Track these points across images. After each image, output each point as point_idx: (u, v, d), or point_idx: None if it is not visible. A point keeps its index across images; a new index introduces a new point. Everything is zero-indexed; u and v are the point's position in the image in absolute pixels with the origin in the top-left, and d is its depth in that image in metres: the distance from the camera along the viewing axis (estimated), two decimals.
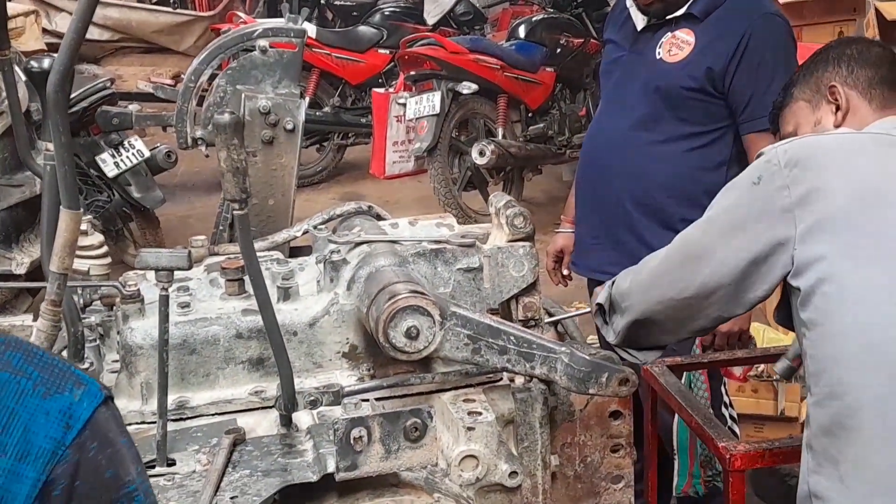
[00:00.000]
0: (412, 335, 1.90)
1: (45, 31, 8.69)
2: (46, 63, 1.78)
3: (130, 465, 1.07)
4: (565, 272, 3.41)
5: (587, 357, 2.02)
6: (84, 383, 1.05)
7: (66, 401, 1.02)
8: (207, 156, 2.74)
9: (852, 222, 1.67)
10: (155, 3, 11.46)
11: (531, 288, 2.22)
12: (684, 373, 2.78)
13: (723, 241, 1.78)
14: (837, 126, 1.95)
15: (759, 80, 2.91)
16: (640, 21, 3.08)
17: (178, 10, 11.13)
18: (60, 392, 1.03)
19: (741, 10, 2.96)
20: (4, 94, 4.52)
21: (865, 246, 1.66)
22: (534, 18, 7.14)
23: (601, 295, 2.09)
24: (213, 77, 2.64)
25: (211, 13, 10.74)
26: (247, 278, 2.08)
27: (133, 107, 5.12)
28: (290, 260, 2.35)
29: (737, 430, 3.06)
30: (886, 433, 1.62)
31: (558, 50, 6.98)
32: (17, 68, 4.31)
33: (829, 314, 1.67)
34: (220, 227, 2.63)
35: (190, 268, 1.89)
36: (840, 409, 1.66)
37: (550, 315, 2.45)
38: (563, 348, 2.02)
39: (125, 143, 5.44)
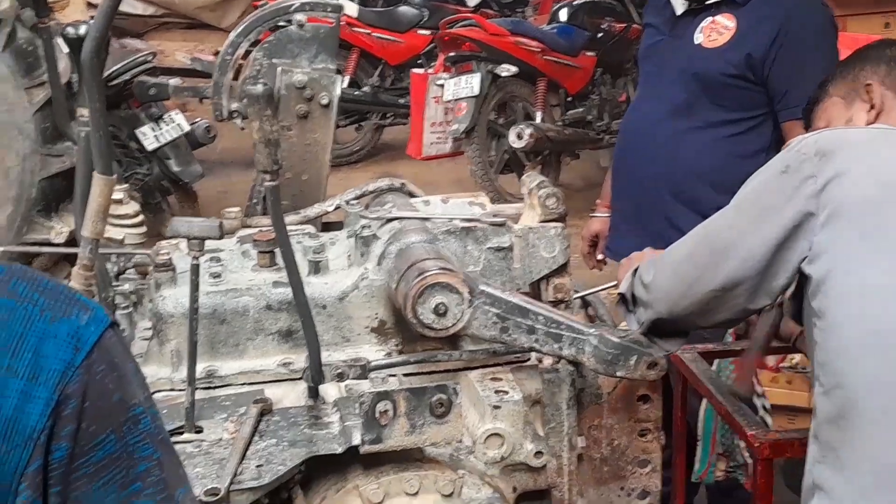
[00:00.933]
0: (440, 312, 1.90)
1: (88, 4, 8.76)
2: (83, 30, 1.80)
3: (137, 389, 1.08)
4: (599, 257, 3.39)
5: (616, 339, 2.01)
6: (90, 308, 1.06)
7: (73, 324, 1.03)
8: (243, 128, 2.74)
9: (870, 212, 1.65)
10: None
11: (562, 269, 2.21)
12: (714, 360, 2.76)
13: (749, 232, 1.76)
14: (869, 125, 1.93)
15: (798, 67, 2.86)
16: (679, 5, 3.05)
17: None
18: (67, 316, 1.04)
19: None
20: (45, 66, 4.58)
21: (880, 237, 1.64)
22: (576, 2, 7.09)
23: (623, 284, 2.06)
24: (249, 51, 2.65)
25: None
26: (278, 250, 2.09)
27: (174, 80, 5.14)
28: (321, 234, 2.36)
29: (769, 420, 3.03)
30: (889, 424, 1.60)
31: (600, 34, 6.93)
32: (58, 40, 4.37)
33: (838, 303, 1.66)
34: (254, 200, 2.64)
35: (221, 237, 1.90)
36: (844, 399, 1.64)
37: (582, 298, 2.43)
38: (592, 330, 2.01)
39: (165, 116, 5.47)
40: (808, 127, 2.14)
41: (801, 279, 1.76)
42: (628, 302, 2.04)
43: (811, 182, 1.69)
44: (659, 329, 2.00)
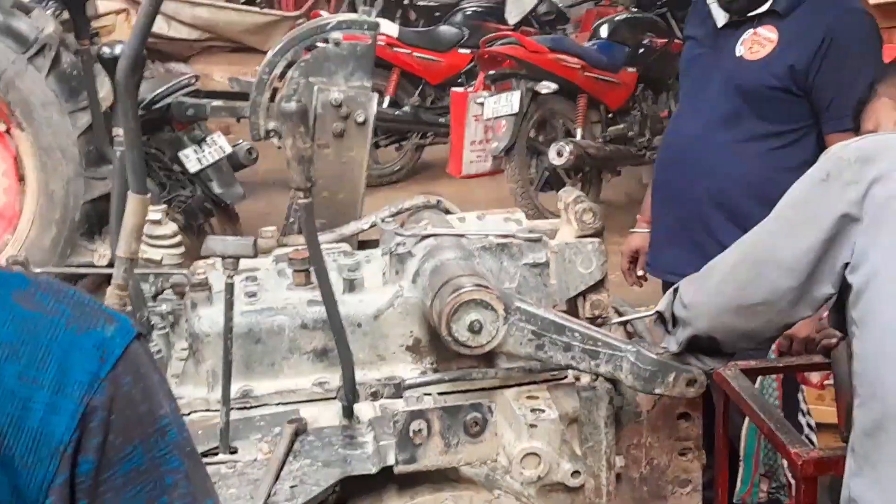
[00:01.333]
0: (475, 329, 1.88)
1: None
2: (118, 49, 1.80)
3: (164, 400, 1.07)
4: (640, 273, 3.35)
5: (654, 356, 1.98)
6: (116, 320, 1.05)
7: (99, 336, 1.02)
8: (280, 147, 2.75)
9: None
10: (242, 3, 11.63)
11: (599, 285, 2.18)
12: (757, 377, 2.71)
13: (792, 240, 1.73)
14: None
15: (843, 78, 2.82)
16: (721, 18, 3.01)
17: (265, 10, 11.27)
18: (93, 328, 1.03)
19: (825, 6, 2.87)
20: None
21: None
22: (616, 18, 7.05)
23: (662, 303, 2.03)
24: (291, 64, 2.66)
25: (297, 13, 10.85)
26: (312, 269, 2.09)
27: (214, 102, 5.19)
28: (356, 252, 2.35)
29: (814, 438, 2.97)
30: None
31: (641, 50, 6.88)
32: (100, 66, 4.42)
33: (877, 311, 1.63)
34: (291, 220, 2.65)
35: (255, 256, 1.89)
36: (880, 409, 1.61)
37: (620, 314, 2.40)
38: (630, 346, 1.98)
39: (208, 139, 5.51)
40: (857, 129, 2.10)
41: (843, 289, 1.72)
42: (667, 322, 2.00)
43: (853, 188, 1.66)
44: (698, 347, 1.96)
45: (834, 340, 2.15)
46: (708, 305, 1.88)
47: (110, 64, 1.80)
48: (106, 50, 1.91)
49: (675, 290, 1.98)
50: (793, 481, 2.72)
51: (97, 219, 4.87)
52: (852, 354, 1.71)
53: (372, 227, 2.38)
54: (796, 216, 1.75)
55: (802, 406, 2.98)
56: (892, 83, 2.02)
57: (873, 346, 1.64)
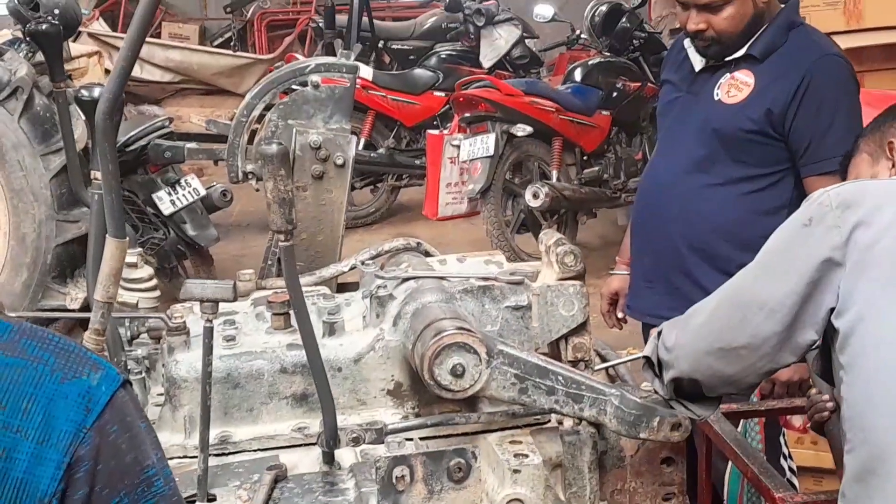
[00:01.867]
0: (458, 373, 1.86)
1: (107, 71, 8.87)
2: (96, 92, 1.78)
3: (150, 450, 1.07)
4: (620, 315, 3.34)
5: (638, 400, 1.96)
6: (101, 367, 1.05)
7: (85, 384, 1.02)
8: (258, 190, 2.73)
9: (892, 258, 1.63)
10: (216, 46, 11.66)
11: (581, 328, 2.17)
12: (740, 421, 2.70)
13: (775, 285, 1.73)
14: None
15: (819, 122, 2.84)
16: (698, 62, 3.04)
17: (238, 53, 11.31)
18: (78, 376, 1.02)
19: (802, 51, 2.90)
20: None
21: None
22: (590, 62, 7.11)
23: (648, 347, 2.02)
24: (264, 113, 2.65)
25: (270, 56, 10.91)
26: (293, 312, 2.06)
27: (190, 144, 5.17)
28: (336, 295, 2.33)
29: (795, 482, 2.96)
30: None
31: (614, 93, 6.94)
32: (75, 107, 4.40)
33: (865, 355, 1.63)
34: (269, 262, 2.62)
35: (234, 299, 1.87)
36: (871, 454, 1.61)
37: (602, 357, 2.39)
38: (614, 390, 1.97)
39: (182, 181, 5.49)
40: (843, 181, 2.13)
41: (829, 334, 1.73)
42: (654, 366, 1.98)
43: (836, 232, 1.67)
44: (683, 392, 1.95)
45: (826, 414, 2.14)
46: (690, 347, 1.87)
47: (88, 106, 1.78)
48: (84, 92, 1.89)
49: (659, 334, 1.97)
50: None
51: (69, 262, 4.82)
52: (840, 399, 1.71)
53: (352, 269, 2.36)
54: (779, 261, 1.75)
55: (784, 449, 2.97)
56: (872, 139, 2.05)
57: (861, 390, 1.64)
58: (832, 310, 1.68)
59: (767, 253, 1.80)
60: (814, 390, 2.20)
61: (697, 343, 1.85)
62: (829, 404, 2.15)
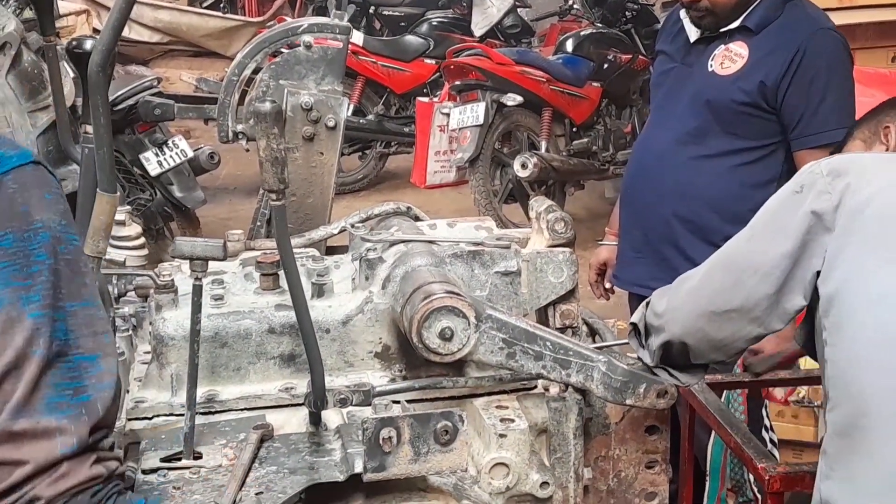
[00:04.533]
0: (446, 336, 1.86)
1: (95, 30, 8.79)
2: (88, 45, 1.77)
3: (44, 212, 1.29)
4: (607, 285, 3.35)
5: (625, 367, 1.97)
6: (20, 149, 1.32)
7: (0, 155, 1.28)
8: (248, 150, 2.72)
9: (881, 225, 1.68)
10: (205, 8, 11.55)
11: (569, 295, 2.17)
12: (724, 392, 2.71)
13: (766, 249, 1.76)
14: None
15: (812, 95, 2.84)
16: (693, 33, 3.03)
17: (228, 16, 11.22)
18: None
19: (797, 24, 2.90)
20: (49, 89, 4.57)
21: (891, 246, 1.67)
22: (582, 33, 7.09)
23: (635, 315, 2.05)
24: (256, 72, 2.62)
25: (260, 19, 10.83)
26: (282, 273, 2.05)
27: (183, 103, 5.14)
28: (325, 257, 2.32)
29: (776, 454, 2.99)
30: None
31: (605, 65, 6.93)
32: (64, 64, 4.36)
33: (850, 315, 1.67)
34: (258, 223, 2.61)
35: (224, 258, 1.85)
36: (854, 408, 1.66)
37: (588, 325, 2.39)
38: (601, 356, 1.97)
39: (169, 142, 5.46)
40: None
41: (814, 302, 1.76)
42: (640, 335, 2.00)
43: (825, 198, 1.71)
44: (671, 359, 1.96)
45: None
46: (681, 310, 1.89)
47: (80, 59, 1.76)
48: (75, 44, 1.86)
49: (648, 304, 2.00)
50: (759, 496, 2.73)
51: None
52: (823, 361, 1.75)
53: (341, 232, 2.35)
54: (771, 226, 1.79)
55: (766, 422, 2.99)
56: (867, 126, 2.11)
57: (846, 350, 1.68)
58: (818, 274, 1.72)
59: (759, 219, 1.83)
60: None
61: (689, 306, 1.87)
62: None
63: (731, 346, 1.87)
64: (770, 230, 1.78)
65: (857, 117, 2.91)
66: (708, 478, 2.81)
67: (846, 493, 1.67)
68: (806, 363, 3.38)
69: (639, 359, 2.00)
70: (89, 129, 1.69)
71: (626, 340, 2.10)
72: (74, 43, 1.77)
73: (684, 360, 1.95)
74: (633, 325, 2.01)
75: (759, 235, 1.81)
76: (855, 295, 1.67)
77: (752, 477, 2.89)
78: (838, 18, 3.77)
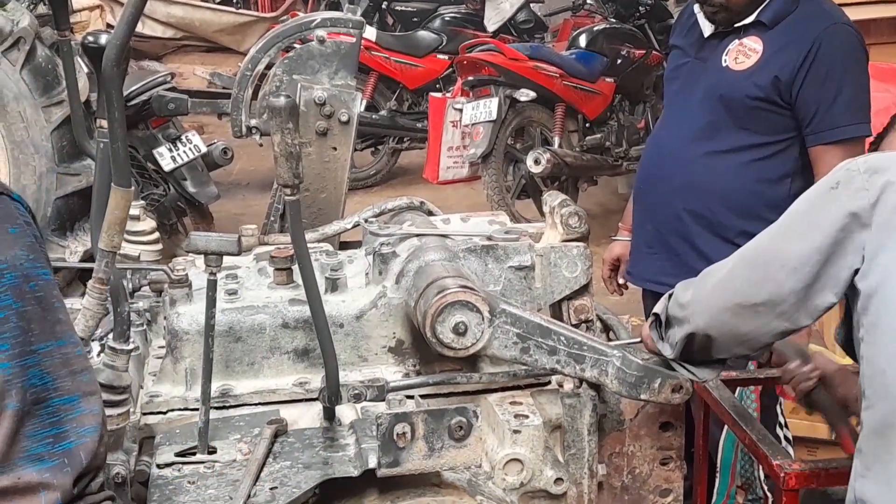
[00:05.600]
0: (460, 331, 1.86)
1: (108, 25, 8.81)
2: (103, 39, 1.76)
3: (8, 250, 1.22)
4: (621, 281, 3.34)
5: (640, 361, 1.96)
6: None
7: None
8: (261, 145, 2.72)
9: None
10: (218, 3, 11.56)
11: (584, 290, 2.16)
12: (737, 388, 2.70)
13: (799, 245, 1.73)
14: None
15: (827, 91, 2.82)
16: (707, 28, 3.01)
17: (241, 11, 11.23)
18: None
19: (811, 19, 2.87)
20: (64, 83, 4.58)
21: None
22: (595, 28, 7.07)
23: (658, 305, 2.01)
24: (269, 67, 2.62)
25: (273, 14, 10.83)
26: (295, 268, 2.06)
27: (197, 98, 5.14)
28: (339, 252, 2.32)
29: (791, 451, 2.97)
30: None
31: (619, 60, 6.90)
32: (77, 59, 4.37)
33: (888, 313, 1.64)
34: (272, 218, 2.61)
35: (239, 253, 1.86)
36: (891, 407, 1.63)
37: (602, 321, 2.39)
38: (615, 351, 1.97)
39: (182, 137, 5.47)
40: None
41: (851, 299, 1.73)
42: (661, 326, 1.97)
43: (863, 195, 1.68)
44: (690, 355, 1.94)
45: (811, 383, 2.14)
46: (707, 302, 1.86)
47: (94, 53, 1.76)
48: (90, 39, 1.86)
49: (671, 295, 1.96)
50: (769, 494, 2.72)
51: (69, 215, 4.81)
52: (860, 358, 1.72)
53: (355, 226, 2.35)
54: (804, 220, 1.76)
55: (780, 419, 2.98)
56: None
57: (883, 348, 1.65)
58: (856, 271, 1.69)
59: (792, 214, 1.80)
60: (792, 364, 2.18)
61: (715, 298, 1.84)
62: (814, 373, 2.14)
63: (756, 340, 1.85)
64: (802, 225, 1.76)
65: (871, 112, 2.90)
66: (718, 474, 2.80)
67: (882, 493, 1.64)
68: None
69: (656, 353, 1.98)
70: (104, 123, 1.69)
71: (638, 339, 2.08)
72: (90, 38, 1.77)
73: (704, 355, 1.93)
74: (655, 315, 1.98)
75: (791, 230, 1.78)
76: (893, 292, 1.64)
77: (762, 474, 2.87)
78: (853, 13, 3.75)
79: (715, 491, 2.80)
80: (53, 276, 1.30)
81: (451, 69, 7.63)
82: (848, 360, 2.92)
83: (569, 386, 2.05)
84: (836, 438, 2.12)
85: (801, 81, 2.82)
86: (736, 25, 2.93)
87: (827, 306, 1.75)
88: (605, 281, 3.36)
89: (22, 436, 1.20)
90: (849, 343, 1.82)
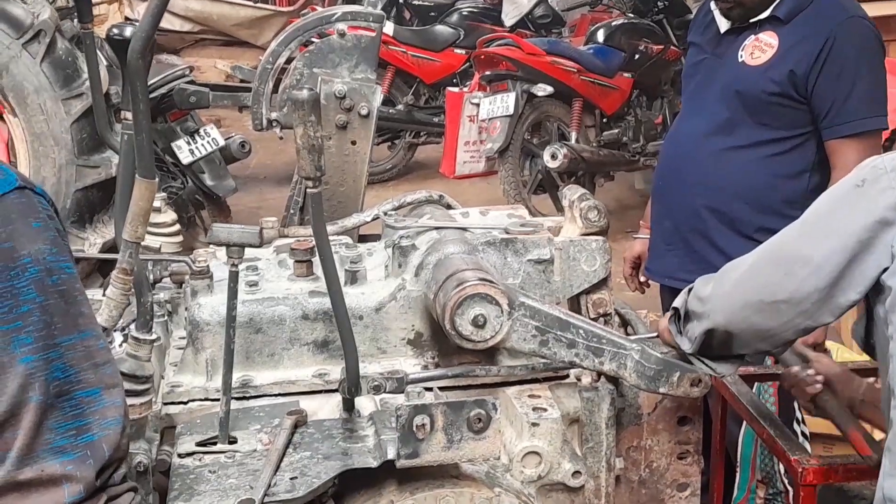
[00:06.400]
0: (479, 323, 1.87)
1: (126, 18, 8.85)
2: (128, 31, 1.78)
3: (31, 244, 1.23)
4: (642, 279, 3.34)
5: (658, 355, 1.96)
6: (5, 173, 1.24)
7: None
8: (282, 137, 2.73)
9: None
10: None
11: (602, 283, 2.17)
12: (754, 384, 2.70)
13: (822, 242, 1.72)
14: None
15: (842, 84, 2.81)
16: (723, 24, 3.01)
17: (259, 5, 11.25)
18: None
19: (826, 12, 2.87)
20: (84, 75, 4.60)
21: None
22: (613, 23, 7.05)
23: (678, 300, 2.00)
24: (290, 60, 2.64)
25: (291, 8, 10.85)
26: (315, 260, 2.07)
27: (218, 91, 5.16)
28: (358, 244, 2.33)
29: (808, 447, 2.97)
30: None
31: (637, 56, 6.88)
32: (97, 51, 4.39)
33: None
34: (291, 211, 2.62)
35: (261, 245, 1.87)
36: None
37: (620, 316, 2.39)
38: (634, 345, 1.97)
39: (201, 130, 5.48)
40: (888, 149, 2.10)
41: (873, 297, 1.72)
42: (681, 320, 1.96)
43: (890, 193, 1.67)
44: (709, 351, 1.93)
45: (819, 387, 2.12)
46: (728, 298, 1.85)
47: (119, 46, 1.77)
48: (115, 31, 1.88)
49: (690, 290, 1.96)
50: (790, 488, 2.72)
51: (88, 207, 4.83)
52: (887, 357, 1.69)
53: (374, 219, 2.36)
54: (828, 219, 1.75)
55: (797, 414, 2.97)
56: None
57: None
58: (884, 270, 1.67)
59: (815, 212, 1.79)
60: (795, 368, 2.17)
61: (736, 295, 1.83)
62: (819, 377, 2.12)
63: (777, 337, 1.84)
64: (826, 223, 1.74)
65: (890, 108, 2.89)
66: (738, 469, 2.80)
67: None
68: (837, 358, 3.36)
69: (673, 346, 1.98)
70: (129, 115, 1.70)
71: (655, 333, 2.08)
72: (115, 31, 1.78)
73: (724, 349, 1.92)
74: (675, 309, 1.97)
75: (815, 227, 1.76)
76: None
77: (782, 468, 2.87)
78: (872, 9, 3.74)
79: (735, 486, 2.80)
80: (76, 269, 1.31)
81: (468, 64, 7.63)
82: (865, 357, 2.92)
83: (587, 379, 2.05)
84: (848, 440, 2.11)
85: (816, 75, 2.81)
86: (751, 21, 2.93)
87: (850, 304, 1.74)
88: (626, 278, 3.36)
89: (45, 428, 1.21)
90: (867, 340, 1.80)
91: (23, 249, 1.22)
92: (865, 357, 3.17)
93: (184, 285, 2.24)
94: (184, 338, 2.14)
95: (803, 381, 2.14)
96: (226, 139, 5.61)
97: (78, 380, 1.25)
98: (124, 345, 1.87)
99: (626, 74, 6.81)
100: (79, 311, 1.27)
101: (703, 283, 1.92)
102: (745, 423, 2.67)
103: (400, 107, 7.81)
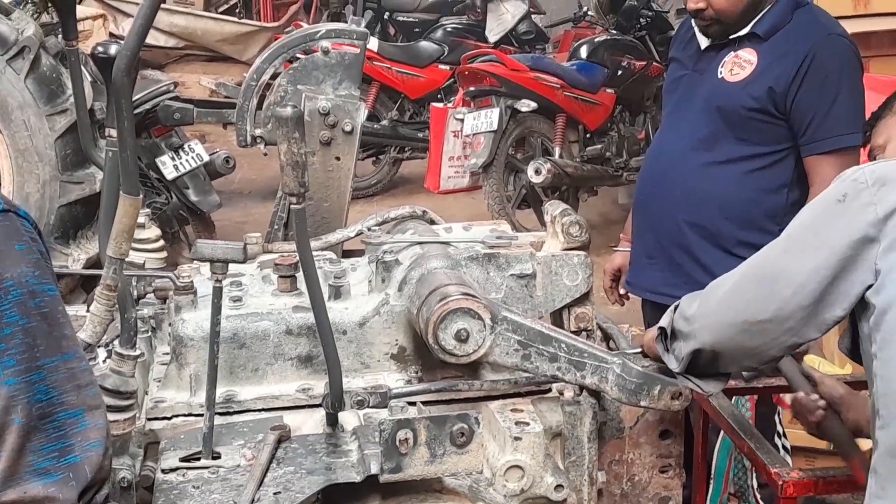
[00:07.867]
0: (462, 338, 1.88)
1: (111, 35, 8.85)
2: (113, 49, 1.80)
3: (14, 267, 1.23)
4: (622, 291, 3.36)
5: (639, 368, 1.98)
6: None
7: None
8: (266, 154, 2.74)
9: None
10: (221, 13, 11.61)
11: (584, 298, 2.19)
12: (732, 397, 2.72)
13: (804, 259, 1.70)
14: None
15: (821, 101, 2.85)
16: (703, 40, 3.05)
17: (243, 21, 11.28)
18: None
19: (805, 30, 2.91)
20: (69, 91, 4.60)
21: None
22: (596, 39, 7.10)
23: (664, 318, 1.98)
24: (274, 76, 2.65)
25: (275, 24, 10.88)
26: (299, 275, 2.08)
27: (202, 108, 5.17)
28: (342, 259, 2.34)
29: (789, 460, 2.99)
30: None
31: (619, 72, 6.94)
32: (82, 68, 4.40)
33: None
34: (275, 227, 2.63)
35: (244, 261, 1.88)
36: None
37: (602, 330, 2.41)
38: (615, 358, 1.99)
39: (185, 146, 5.49)
40: (865, 144, 2.09)
41: (858, 312, 1.71)
42: (667, 338, 1.94)
43: (871, 210, 1.65)
44: (698, 368, 1.91)
45: (821, 413, 2.09)
46: (713, 318, 1.83)
47: (104, 64, 1.79)
48: (100, 49, 1.89)
49: (676, 308, 1.94)
50: (762, 503, 2.74)
51: (72, 223, 4.83)
52: (872, 376, 1.69)
53: (358, 235, 2.37)
54: (810, 235, 1.72)
55: (779, 428, 3.00)
56: None
57: None
58: (868, 287, 1.65)
59: (797, 228, 1.77)
60: (800, 393, 2.15)
61: (721, 315, 1.81)
62: (821, 402, 2.10)
63: (764, 354, 1.82)
64: (808, 240, 1.72)
65: None
66: (711, 481, 2.82)
67: None
68: (821, 367, 3.39)
69: (658, 360, 1.97)
70: (113, 132, 1.72)
71: (639, 349, 2.08)
72: (100, 49, 1.80)
73: (711, 368, 1.90)
74: (661, 329, 1.95)
75: (797, 244, 1.74)
76: None
77: (755, 483, 2.89)
78: (853, 26, 3.78)
79: (707, 499, 2.81)
80: (59, 291, 1.32)
81: (452, 79, 7.67)
82: (847, 370, 2.94)
83: (569, 394, 2.07)
84: (848, 469, 2.10)
85: (795, 92, 2.85)
86: (731, 37, 2.97)
87: (836, 320, 1.72)
88: (606, 291, 3.38)
89: (28, 450, 1.22)
90: (854, 351, 1.79)
91: (6, 272, 1.23)
92: (848, 370, 3.20)
93: (168, 301, 2.24)
94: (168, 353, 2.15)
95: (805, 407, 2.12)
96: (210, 155, 5.62)
97: (61, 402, 1.25)
98: (108, 360, 1.88)
99: (609, 90, 6.86)
100: (62, 334, 1.28)
101: (688, 302, 1.90)
102: (720, 434, 2.69)
103: (384, 122, 7.84)
